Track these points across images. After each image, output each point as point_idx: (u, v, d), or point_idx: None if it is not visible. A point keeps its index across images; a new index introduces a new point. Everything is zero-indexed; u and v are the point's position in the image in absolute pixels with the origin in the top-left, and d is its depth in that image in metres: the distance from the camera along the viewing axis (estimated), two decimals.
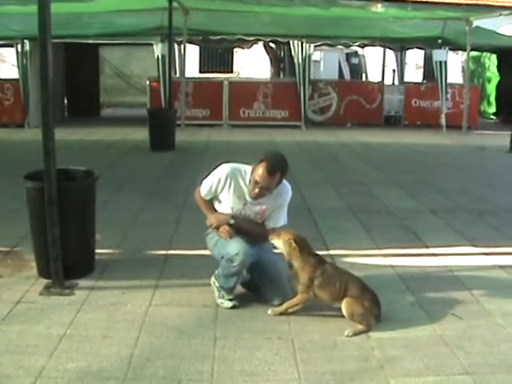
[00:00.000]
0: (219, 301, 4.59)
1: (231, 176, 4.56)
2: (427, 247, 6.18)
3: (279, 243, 4.42)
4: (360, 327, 4.17)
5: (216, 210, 4.72)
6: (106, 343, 3.93)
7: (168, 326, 4.22)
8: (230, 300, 4.56)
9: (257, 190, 4.43)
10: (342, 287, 4.26)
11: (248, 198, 4.55)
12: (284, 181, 4.59)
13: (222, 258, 4.46)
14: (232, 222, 4.57)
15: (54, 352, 3.78)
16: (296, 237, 4.40)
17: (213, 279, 4.72)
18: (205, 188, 4.67)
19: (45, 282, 4.94)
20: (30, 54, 15.38)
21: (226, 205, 4.62)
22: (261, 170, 4.35)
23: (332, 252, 5.89)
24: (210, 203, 4.76)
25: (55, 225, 4.71)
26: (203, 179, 4.72)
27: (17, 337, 4.00)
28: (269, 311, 4.45)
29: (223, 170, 4.60)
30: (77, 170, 5.47)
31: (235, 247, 4.37)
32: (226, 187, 4.58)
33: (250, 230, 4.64)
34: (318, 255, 4.46)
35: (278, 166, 4.41)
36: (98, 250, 5.43)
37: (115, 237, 6.26)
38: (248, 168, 4.57)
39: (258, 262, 4.51)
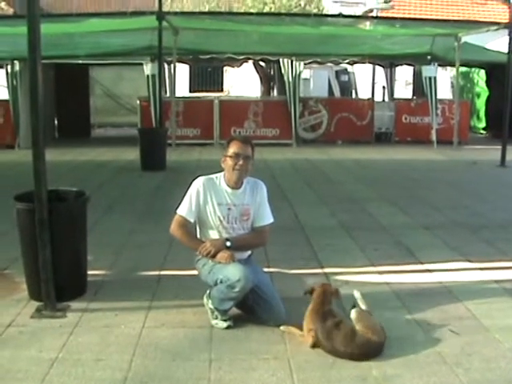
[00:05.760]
0: (213, 322, 4.53)
1: (208, 184, 4.63)
2: (422, 263, 6.15)
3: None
4: None
5: (199, 239, 4.70)
6: (99, 367, 3.86)
7: (162, 348, 4.15)
8: (225, 320, 4.50)
9: (241, 162, 4.51)
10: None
11: (229, 200, 4.60)
12: (253, 178, 4.76)
13: (221, 282, 4.38)
14: (229, 244, 4.53)
15: (46, 377, 3.71)
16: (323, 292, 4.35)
17: (205, 300, 4.67)
18: (185, 207, 4.61)
19: (36, 304, 4.87)
20: (19, 74, 15.38)
21: (213, 217, 4.59)
22: (235, 144, 4.57)
23: (326, 270, 5.85)
24: (192, 234, 4.72)
25: (46, 246, 4.66)
26: (176, 208, 4.68)
27: (7, 362, 3.92)
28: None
29: (198, 182, 4.66)
30: (68, 190, 5.42)
31: (236, 273, 4.29)
32: (208, 197, 4.59)
33: (246, 244, 4.70)
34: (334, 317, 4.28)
35: (246, 138, 4.73)
36: (90, 272, 5.37)
37: (107, 258, 6.19)
38: (218, 174, 4.69)
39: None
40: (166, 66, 17.61)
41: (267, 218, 4.75)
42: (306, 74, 21.02)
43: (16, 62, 15.34)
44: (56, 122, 19.22)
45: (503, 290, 5.40)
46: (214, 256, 4.49)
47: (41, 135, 4.64)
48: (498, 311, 4.91)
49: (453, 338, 4.36)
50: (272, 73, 21.66)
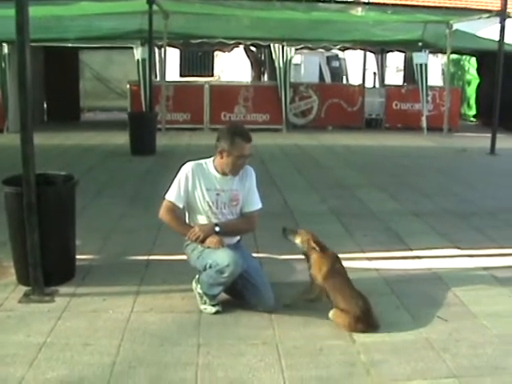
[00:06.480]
0: (202, 307, 4.53)
1: (196, 170, 4.58)
2: (411, 250, 6.16)
3: (298, 241, 4.59)
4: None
5: (188, 224, 4.68)
6: (87, 351, 3.85)
7: (150, 333, 4.15)
8: (213, 306, 4.50)
9: (244, 162, 4.54)
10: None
11: (218, 185, 4.57)
12: None
13: (210, 267, 4.37)
14: (218, 229, 4.51)
15: (34, 361, 3.70)
16: (314, 237, 4.59)
17: (194, 284, 4.67)
18: (173, 192, 4.58)
19: (24, 289, 4.84)
20: (8, 57, 15.23)
21: (202, 203, 4.57)
22: (241, 143, 4.45)
23: None
24: (181, 219, 4.69)
25: (34, 230, 4.63)
26: (164, 193, 4.65)
27: None
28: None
29: (187, 167, 4.61)
30: (56, 174, 5.38)
31: (225, 258, 4.28)
32: (196, 182, 4.55)
33: (235, 230, 4.70)
34: (325, 252, 4.58)
35: (249, 135, 4.55)
36: (78, 256, 5.34)
37: (96, 242, 6.17)
38: (207, 159, 4.65)
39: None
40: (156, 50, 17.50)
41: (256, 204, 4.73)
42: (296, 59, 20.93)
43: (4, 44, 15.18)
44: (45, 105, 19.09)
45: (491, 276, 5.42)
46: (202, 241, 4.48)
47: (29, 119, 4.61)
48: (486, 298, 4.94)
49: (441, 324, 4.39)
50: (263, 58, 21.56)
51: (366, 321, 4.22)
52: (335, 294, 4.34)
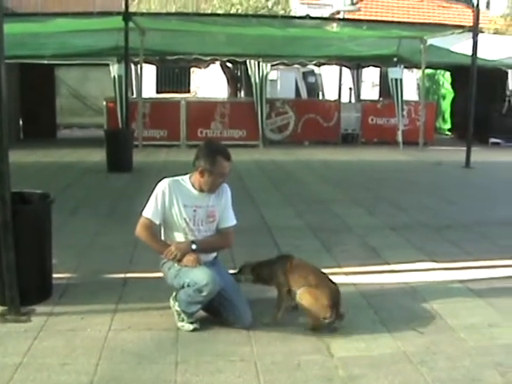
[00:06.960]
0: (179, 324, 4.51)
1: (173, 186, 4.57)
2: (388, 264, 6.20)
3: (247, 277, 4.76)
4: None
5: (164, 242, 4.66)
6: (64, 371, 3.81)
7: (128, 351, 4.12)
8: (191, 323, 4.47)
9: (224, 180, 4.60)
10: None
11: (195, 202, 4.56)
12: None
13: (188, 286, 4.35)
14: (194, 247, 4.49)
15: (10, 382, 3.65)
16: (252, 264, 4.79)
17: (172, 302, 4.64)
18: (150, 209, 4.55)
19: (0, 308, 4.79)
20: None
21: (179, 219, 4.55)
22: (222, 162, 4.47)
23: None
24: (157, 236, 4.68)
25: (10, 249, 4.59)
26: (141, 210, 4.62)
27: None
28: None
29: (163, 183, 4.59)
30: (32, 192, 5.34)
31: (203, 277, 4.27)
32: (173, 198, 4.53)
33: (211, 247, 4.70)
34: (273, 260, 4.79)
35: (229, 153, 4.56)
36: (55, 275, 5.29)
37: (72, 260, 6.12)
38: (184, 176, 4.65)
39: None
40: (132, 66, 17.51)
41: (231, 220, 4.74)
42: (273, 75, 21.05)
43: None
44: (21, 122, 18.94)
45: (467, 289, 5.47)
46: (179, 260, 4.46)
47: (5, 136, 4.57)
48: (463, 310, 4.97)
49: (418, 338, 4.40)
50: (239, 74, 21.66)
51: (334, 302, 4.35)
52: (307, 276, 4.49)
